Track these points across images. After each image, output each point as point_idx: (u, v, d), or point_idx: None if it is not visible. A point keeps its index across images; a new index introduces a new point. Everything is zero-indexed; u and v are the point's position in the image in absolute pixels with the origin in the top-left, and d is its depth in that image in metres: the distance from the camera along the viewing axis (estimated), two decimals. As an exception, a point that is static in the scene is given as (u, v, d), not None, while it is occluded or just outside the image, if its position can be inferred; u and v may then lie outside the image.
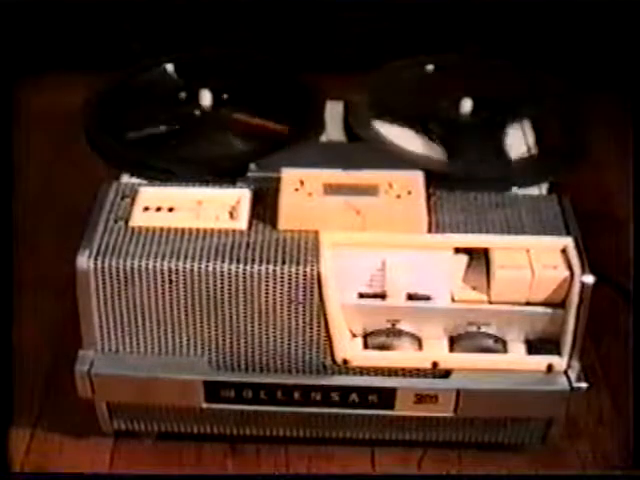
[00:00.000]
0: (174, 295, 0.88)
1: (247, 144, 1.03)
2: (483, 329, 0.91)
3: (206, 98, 1.07)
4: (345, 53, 1.62)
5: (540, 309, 0.90)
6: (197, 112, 1.07)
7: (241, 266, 0.87)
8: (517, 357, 0.91)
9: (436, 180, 0.95)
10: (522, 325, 0.91)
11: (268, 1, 1.59)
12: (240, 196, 0.94)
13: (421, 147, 1.02)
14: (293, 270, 0.87)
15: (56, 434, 1.03)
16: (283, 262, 0.87)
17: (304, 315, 0.89)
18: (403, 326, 0.91)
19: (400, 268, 0.89)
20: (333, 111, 1.08)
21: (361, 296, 0.90)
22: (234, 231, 0.90)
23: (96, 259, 0.88)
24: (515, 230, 0.91)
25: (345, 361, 0.91)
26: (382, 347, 0.91)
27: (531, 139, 1.04)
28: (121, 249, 0.88)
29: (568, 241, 0.90)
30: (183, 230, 0.90)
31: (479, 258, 0.91)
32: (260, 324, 0.90)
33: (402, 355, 0.91)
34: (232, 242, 0.89)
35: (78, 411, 0.99)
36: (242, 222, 0.91)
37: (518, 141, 1.04)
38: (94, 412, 0.97)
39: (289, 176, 0.93)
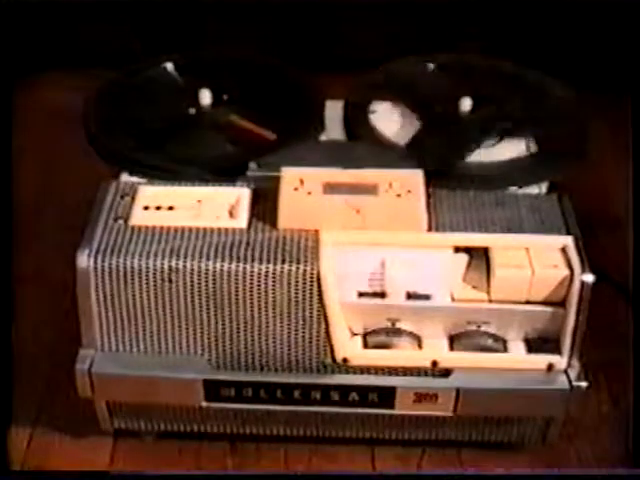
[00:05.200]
0: (174, 294, 0.89)
1: (247, 143, 1.03)
2: (483, 328, 0.91)
3: (206, 98, 1.07)
4: (345, 53, 1.62)
5: (540, 308, 0.90)
6: (197, 112, 1.07)
7: (241, 265, 0.87)
8: (517, 356, 0.91)
9: (436, 179, 0.95)
10: (522, 324, 0.91)
11: (268, 1, 1.59)
12: (240, 195, 0.94)
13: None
14: (293, 269, 0.87)
15: (56, 434, 1.03)
16: (283, 261, 0.87)
17: (304, 314, 0.89)
18: (403, 325, 0.91)
19: (400, 267, 0.89)
20: (333, 111, 1.07)
21: (361, 295, 0.90)
22: (234, 230, 0.90)
23: (96, 258, 0.88)
24: (515, 229, 0.91)
25: (345, 360, 0.91)
26: (382, 346, 0.91)
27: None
28: (121, 248, 0.88)
29: (568, 240, 0.90)
30: (183, 229, 0.90)
31: (479, 257, 0.91)
32: (260, 323, 0.90)
33: (402, 354, 0.91)
34: (232, 241, 0.89)
35: (78, 411, 0.99)
36: (242, 221, 0.91)
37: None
38: (94, 411, 0.97)
39: (289, 175, 0.93)
